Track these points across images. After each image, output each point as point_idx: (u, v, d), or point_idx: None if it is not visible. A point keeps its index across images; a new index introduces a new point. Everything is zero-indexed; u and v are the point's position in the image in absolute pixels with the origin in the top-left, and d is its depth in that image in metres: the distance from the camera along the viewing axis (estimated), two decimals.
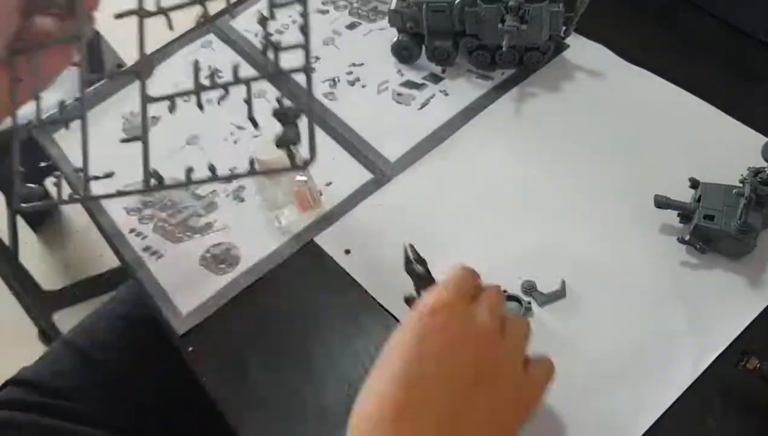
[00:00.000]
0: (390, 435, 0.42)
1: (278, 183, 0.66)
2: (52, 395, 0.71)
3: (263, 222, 0.70)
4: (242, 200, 0.73)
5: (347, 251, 0.67)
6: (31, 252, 1.75)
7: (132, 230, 0.73)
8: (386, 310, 0.62)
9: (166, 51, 0.88)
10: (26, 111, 0.57)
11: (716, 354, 0.56)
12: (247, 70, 0.83)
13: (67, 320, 1.52)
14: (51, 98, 1.35)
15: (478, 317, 0.47)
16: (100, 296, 1.35)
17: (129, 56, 1.21)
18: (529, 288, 0.61)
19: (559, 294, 0.60)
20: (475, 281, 0.50)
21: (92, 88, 0.86)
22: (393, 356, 0.45)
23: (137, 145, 0.83)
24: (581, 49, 0.78)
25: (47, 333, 1.56)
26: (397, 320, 0.61)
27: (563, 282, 0.60)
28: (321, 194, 0.70)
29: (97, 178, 0.54)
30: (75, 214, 1.82)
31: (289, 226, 0.69)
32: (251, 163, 0.52)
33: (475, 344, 0.46)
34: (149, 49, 0.89)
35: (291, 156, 0.49)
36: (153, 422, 0.72)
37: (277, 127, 0.50)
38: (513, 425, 0.45)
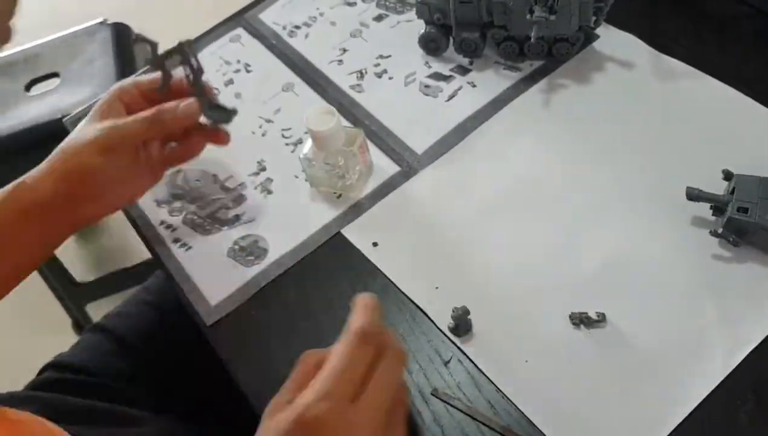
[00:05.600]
0: None
1: (337, 148, 0.67)
2: (88, 375, 0.72)
3: (291, 214, 0.71)
4: (270, 193, 0.73)
5: (375, 244, 0.67)
6: (65, 245, 1.78)
7: (162, 223, 0.74)
8: (414, 303, 0.62)
9: (194, 46, 0.89)
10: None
11: (749, 348, 0.55)
12: (276, 64, 0.84)
13: (99, 311, 1.55)
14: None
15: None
16: (132, 288, 1.39)
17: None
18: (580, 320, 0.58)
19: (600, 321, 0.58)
20: (375, 341, 0.47)
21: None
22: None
23: None
24: (611, 40, 0.77)
25: (81, 324, 1.59)
26: (425, 314, 0.61)
27: (603, 315, 0.58)
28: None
29: None
30: None
31: (356, 184, 0.70)
32: None
33: None
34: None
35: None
36: (183, 406, 0.73)
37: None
38: None
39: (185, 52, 0.64)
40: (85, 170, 0.62)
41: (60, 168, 0.62)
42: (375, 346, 0.46)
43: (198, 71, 0.65)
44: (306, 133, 0.73)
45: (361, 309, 0.48)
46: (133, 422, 0.69)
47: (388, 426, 0.45)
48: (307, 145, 0.69)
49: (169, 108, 0.64)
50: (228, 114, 0.68)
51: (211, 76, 0.85)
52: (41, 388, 0.71)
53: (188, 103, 0.64)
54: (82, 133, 0.63)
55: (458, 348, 0.59)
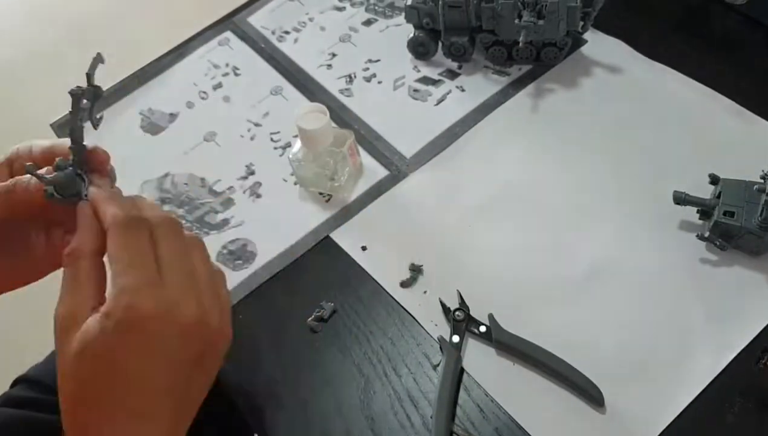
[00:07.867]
0: None
1: (325, 148, 0.67)
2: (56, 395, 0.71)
3: (280, 218, 0.71)
4: (259, 196, 0.73)
5: (364, 248, 0.67)
6: None
7: None
8: (402, 307, 0.62)
9: (183, 49, 0.89)
10: None
11: (736, 352, 0.55)
12: (264, 68, 0.84)
13: None
14: None
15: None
16: None
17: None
18: None
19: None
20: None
21: (112, 85, 0.87)
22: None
23: (154, 141, 0.84)
24: (599, 45, 0.78)
25: None
26: (414, 318, 0.61)
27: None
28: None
29: None
30: None
31: (346, 185, 0.70)
32: None
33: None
34: (166, 48, 0.90)
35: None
36: None
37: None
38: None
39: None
40: None
41: None
42: (142, 225, 0.43)
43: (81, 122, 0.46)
44: (295, 136, 0.73)
45: (102, 201, 0.44)
46: None
47: (209, 283, 0.44)
48: (297, 145, 0.69)
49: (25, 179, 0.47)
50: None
51: (200, 80, 0.85)
52: (9, 404, 0.70)
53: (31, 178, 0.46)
54: None
55: None
